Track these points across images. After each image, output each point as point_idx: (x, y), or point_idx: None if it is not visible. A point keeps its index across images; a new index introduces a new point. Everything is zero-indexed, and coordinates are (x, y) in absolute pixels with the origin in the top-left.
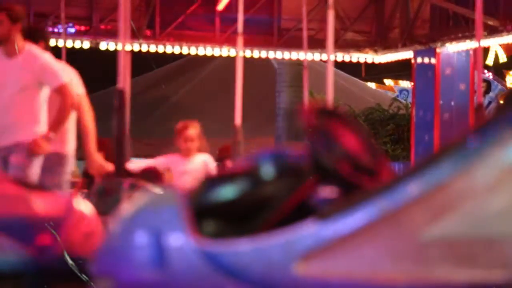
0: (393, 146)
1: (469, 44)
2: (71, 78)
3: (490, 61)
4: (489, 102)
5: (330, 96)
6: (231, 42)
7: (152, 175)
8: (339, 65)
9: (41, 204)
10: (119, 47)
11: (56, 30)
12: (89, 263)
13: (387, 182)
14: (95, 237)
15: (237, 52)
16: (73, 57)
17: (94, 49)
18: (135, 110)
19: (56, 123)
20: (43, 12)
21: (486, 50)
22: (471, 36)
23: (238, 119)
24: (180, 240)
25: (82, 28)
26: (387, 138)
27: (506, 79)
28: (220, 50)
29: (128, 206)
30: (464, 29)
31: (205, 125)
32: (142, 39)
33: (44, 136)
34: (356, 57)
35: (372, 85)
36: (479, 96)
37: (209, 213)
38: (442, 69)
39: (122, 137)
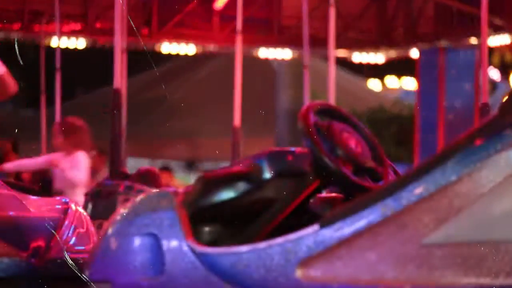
0: (397, 148)
1: (474, 43)
2: None
3: (495, 61)
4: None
5: (331, 96)
6: (230, 41)
7: (149, 178)
8: (341, 64)
9: (36, 206)
10: (116, 46)
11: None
12: (86, 266)
13: (390, 184)
14: (91, 239)
15: (236, 50)
16: (68, 56)
17: (90, 48)
18: (132, 110)
19: None
20: (37, 10)
21: (491, 50)
22: (476, 34)
23: (237, 120)
24: (177, 243)
25: (77, 26)
26: (390, 139)
27: (511, 79)
28: (219, 49)
29: (124, 209)
30: (469, 28)
31: (204, 125)
32: (139, 37)
33: None
34: (358, 56)
35: (374, 84)
36: (484, 96)
37: (207, 216)
38: (447, 68)
39: (118, 138)
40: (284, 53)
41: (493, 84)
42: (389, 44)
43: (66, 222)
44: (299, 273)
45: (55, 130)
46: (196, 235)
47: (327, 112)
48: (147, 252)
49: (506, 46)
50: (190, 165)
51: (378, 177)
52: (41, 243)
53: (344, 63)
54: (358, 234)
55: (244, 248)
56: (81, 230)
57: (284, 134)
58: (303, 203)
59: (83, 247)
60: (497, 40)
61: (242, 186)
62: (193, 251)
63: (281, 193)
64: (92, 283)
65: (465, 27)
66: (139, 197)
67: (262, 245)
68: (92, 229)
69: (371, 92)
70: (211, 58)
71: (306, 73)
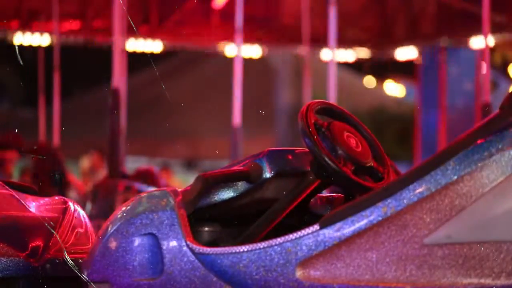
0: (397, 147)
1: (475, 41)
2: None
3: (497, 59)
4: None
5: (332, 94)
6: (230, 39)
7: (148, 177)
8: (341, 63)
9: (35, 206)
10: (114, 44)
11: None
12: (85, 266)
13: (391, 184)
14: (90, 239)
15: (236, 49)
16: (66, 55)
17: (89, 47)
18: (132, 109)
19: None
20: (35, 8)
21: (493, 48)
22: (477, 33)
23: (237, 119)
24: (176, 243)
25: (76, 25)
26: (391, 139)
27: None
28: (218, 47)
29: (123, 209)
30: (470, 26)
31: (204, 124)
32: (138, 36)
33: None
34: (359, 54)
35: (375, 83)
36: (486, 95)
37: (207, 216)
38: (448, 67)
39: (117, 138)
40: (284, 52)
41: (495, 83)
42: (390, 43)
43: (65, 222)
44: (299, 273)
45: None
46: (196, 235)
47: (327, 111)
48: (146, 252)
49: (508, 44)
50: (190, 164)
51: (379, 177)
52: (40, 243)
53: (344, 62)
54: (358, 234)
55: (243, 248)
56: (80, 230)
57: (284, 133)
58: (303, 203)
59: (82, 247)
60: (499, 39)
61: (241, 185)
62: (192, 251)
63: (281, 193)
64: (91, 283)
65: (467, 25)
66: (138, 197)
67: (261, 245)
68: (91, 229)
69: (371, 91)
70: (211, 57)
71: (306, 71)
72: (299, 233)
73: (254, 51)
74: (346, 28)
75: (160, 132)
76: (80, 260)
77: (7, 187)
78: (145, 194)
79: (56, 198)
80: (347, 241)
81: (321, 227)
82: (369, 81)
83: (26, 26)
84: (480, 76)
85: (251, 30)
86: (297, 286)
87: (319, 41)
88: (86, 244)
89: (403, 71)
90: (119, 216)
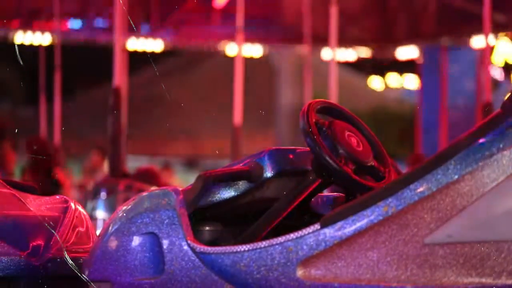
0: (399, 146)
1: (476, 41)
2: None
3: (498, 59)
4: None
5: (333, 94)
6: (231, 38)
7: (149, 176)
8: (342, 62)
9: (36, 205)
10: (115, 44)
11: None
12: (85, 265)
13: (392, 183)
14: (91, 238)
15: (237, 48)
16: (67, 54)
17: (90, 46)
18: (133, 108)
19: None
20: (36, 8)
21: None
22: (478, 32)
23: (237, 118)
24: (177, 242)
25: (77, 24)
26: (392, 138)
27: None
28: (219, 47)
29: (124, 208)
30: (471, 25)
31: (205, 124)
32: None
33: None
34: (360, 53)
35: (376, 83)
36: (487, 95)
37: (207, 215)
38: (449, 66)
39: (117, 137)
40: (285, 51)
41: (496, 83)
42: (391, 42)
43: (66, 221)
44: (300, 272)
45: None
46: (197, 234)
47: (328, 110)
48: (147, 251)
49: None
50: (191, 164)
51: (380, 176)
52: (40, 242)
53: (345, 61)
54: (359, 234)
55: (244, 247)
56: (81, 229)
57: (285, 132)
58: (304, 202)
59: (82, 246)
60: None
61: (242, 185)
62: (193, 250)
63: (282, 192)
64: (91, 283)
65: (467, 25)
66: (139, 196)
67: (262, 244)
68: (92, 228)
69: (372, 90)
70: (212, 56)
71: (307, 71)
72: (300, 232)
73: (255, 50)
74: (347, 27)
75: (161, 131)
76: (81, 260)
77: (8, 186)
78: (146, 193)
79: (57, 197)
80: (348, 240)
81: (322, 227)
82: (370, 80)
83: (27, 25)
84: (481, 75)
85: (252, 30)
86: (298, 285)
87: (320, 40)
88: (87, 243)
89: (404, 70)
90: (120, 215)
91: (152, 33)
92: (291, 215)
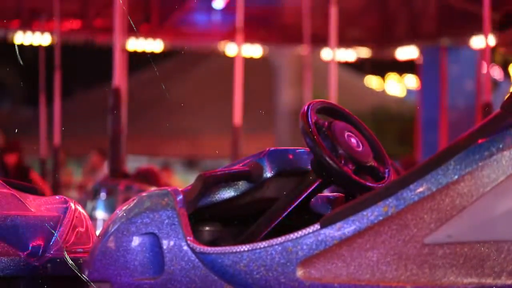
0: (398, 146)
1: (476, 41)
2: None
3: (497, 59)
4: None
5: (333, 94)
6: (231, 38)
7: (149, 176)
8: (343, 62)
9: (36, 205)
10: (115, 44)
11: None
12: (85, 265)
13: (391, 183)
14: (90, 238)
15: (236, 48)
16: (67, 55)
17: (89, 46)
18: (133, 108)
19: None
20: (35, 8)
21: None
22: (478, 32)
23: (237, 118)
24: (177, 242)
25: (77, 24)
26: (392, 138)
27: None
28: (219, 47)
29: (124, 208)
30: (471, 25)
31: (204, 124)
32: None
33: None
34: (360, 53)
35: (376, 83)
36: (487, 95)
37: (207, 215)
38: (449, 66)
39: (117, 137)
40: (285, 51)
41: (495, 83)
42: (390, 42)
43: (66, 221)
44: (299, 272)
45: None
46: (196, 235)
47: (328, 110)
48: (147, 251)
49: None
50: (190, 164)
51: (380, 176)
52: (40, 242)
53: (345, 61)
54: (359, 234)
55: (244, 248)
56: (81, 229)
57: (284, 132)
58: (304, 203)
59: (82, 246)
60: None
61: (242, 185)
62: (193, 250)
63: (282, 192)
64: (91, 283)
65: (467, 25)
66: (139, 196)
67: (262, 244)
68: (91, 228)
69: (372, 90)
70: (212, 56)
71: (307, 71)
72: (300, 232)
73: (255, 50)
74: (347, 27)
75: (160, 131)
76: (81, 260)
77: (8, 186)
78: (146, 194)
79: (57, 197)
80: (348, 240)
81: (322, 227)
82: (370, 80)
83: (27, 25)
84: (481, 75)
85: (252, 29)
86: (298, 286)
87: (320, 40)
88: (87, 243)
89: (404, 70)
90: (119, 215)
91: (152, 33)
92: (291, 215)
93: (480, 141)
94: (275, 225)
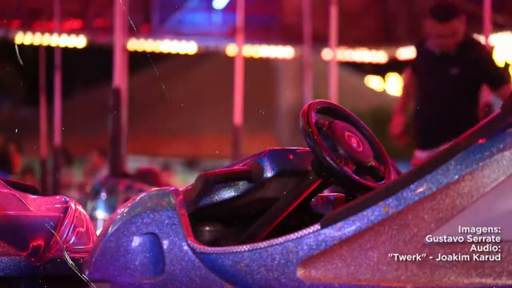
0: (399, 146)
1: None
2: None
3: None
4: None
5: (333, 94)
6: (231, 38)
7: (149, 176)
8: (343, 63)
9: (36, 205)
10: (116, 44)
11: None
12: (85, 265)
13: (392, 183)
14: (91, 238)
15: (237, 48)
16: (68, 55)
17: (90, 46)
18: (133, 108)
19: None
20: (36, 8)
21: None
22: (478, 32)
23: (238, 118)
24: (177, 243)
25: (77, 24)
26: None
27: None
28: (220, 47)
29: (124, 208)
30: (471, 26)
31: (205, 124)
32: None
33: None
34: (361, 54)
35: (376, 83)
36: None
37: (208, 215)
38: None
39: (118, 137)
40: (285, 51)
41: None
42: (391, 43)
43: (66, 221)
44: (300, 272)
45: None
46: (197, 235)
47: (328, 110)
48: (147, 251)
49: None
50: (191, 164)
51: (380, 176)
52: (40, 242)
53: (345, 62)
54: (359, 234)
55: (244, 248)
56: (81, 229)
57: (285, 132)
58: (304, 203)
59: (83, 246)
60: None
61: (242, 185)
62: (193, 250)
63: (282, 193)
64: (91, 283)
65: (467, 25)
66: (139, 196)
67: (263, 244)
68: (92, 228)
69: (373, 90)
70: (212, 56)
71: (307, 71)
72: (300, 232)
73: (255, 50)
74: (347, 28)
75: (161, 131)
76: (81, 260)
77: (8, 186)
78: (146, 194)
79: (57, 197)
80: (348, 240)
81: (322, 227)
82: (370, 80)
83: (27, 25)
84: None
85: (253, 30)
86: (298, 286)
87: (320, 40)
88: (87, 243)
89: (404, 70)
90: (120, 215)
91: (152, 33)
92: (291, 215)
93: (480, 141)
94: (275, 225)
